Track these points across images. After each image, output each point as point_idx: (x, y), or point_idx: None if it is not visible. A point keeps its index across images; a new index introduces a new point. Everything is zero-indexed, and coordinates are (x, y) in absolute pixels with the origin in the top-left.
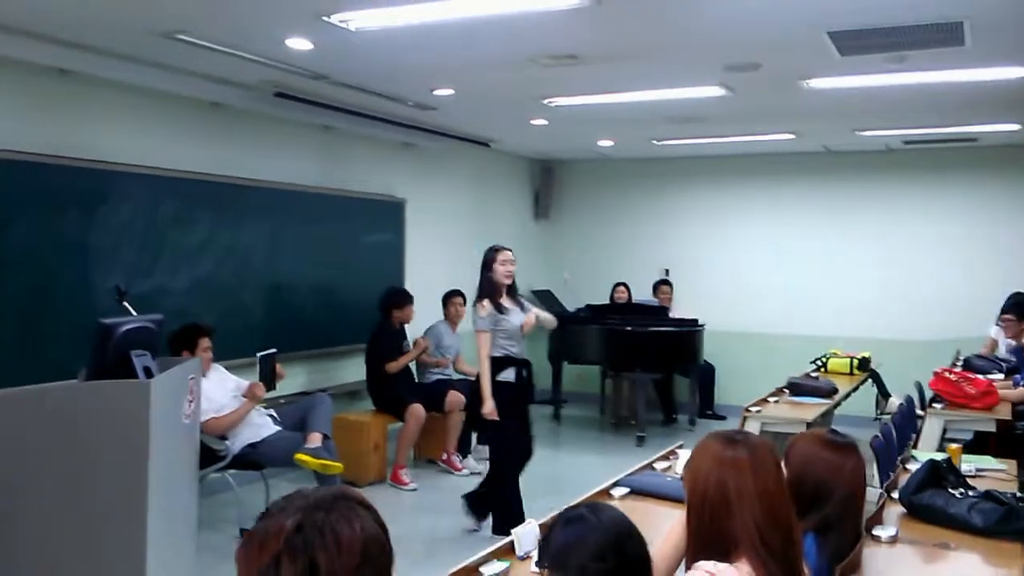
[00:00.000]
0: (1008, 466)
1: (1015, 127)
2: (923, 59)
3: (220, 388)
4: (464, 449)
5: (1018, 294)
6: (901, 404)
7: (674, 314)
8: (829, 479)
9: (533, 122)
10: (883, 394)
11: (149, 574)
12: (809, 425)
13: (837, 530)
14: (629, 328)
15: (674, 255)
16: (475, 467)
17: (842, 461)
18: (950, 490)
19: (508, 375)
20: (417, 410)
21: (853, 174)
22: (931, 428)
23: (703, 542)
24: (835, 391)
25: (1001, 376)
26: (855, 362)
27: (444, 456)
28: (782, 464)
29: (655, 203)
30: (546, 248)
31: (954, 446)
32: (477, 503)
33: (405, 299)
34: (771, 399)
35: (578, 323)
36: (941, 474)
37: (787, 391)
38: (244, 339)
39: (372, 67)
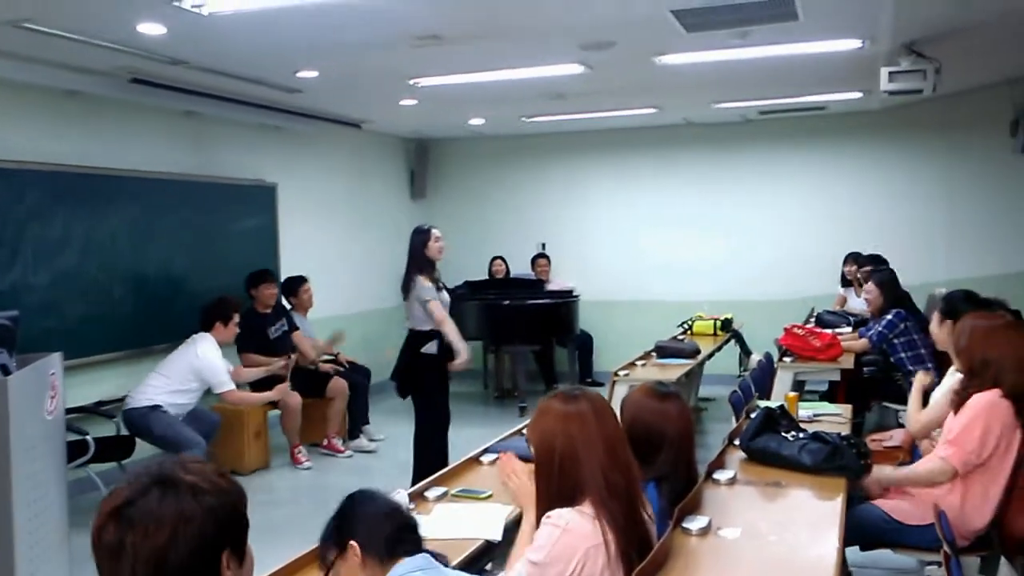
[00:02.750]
0: (843, 410)
1: (858, 95)
2: (764, 34)
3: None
4: (353, 432)
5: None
6: (760, 360)
7: (552, 286)
8: (657, 424)
9: (403, 103)
10: (745, 352)
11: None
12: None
13: (673, 474)
14: (507, 302)
15: (550, 228)
16: (366, 446)
17: (666, 407)
18: (783, 434)
19: (431, 348)
20: (339, 385)
21: (713, 144)
22: (782, 380)
23: (554, 495)
24: (698, 352)
25: (849, 330)
26: (718, 323)
27: (325, 441)
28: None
29: (529, 178)
30: None
31: (791, 394)
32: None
33: (258, 279)
34: (639, 363)
35: (457, 299)
36: (775, 420)
37: (655, 354)
38: (113, 333)
39: (231, 51)
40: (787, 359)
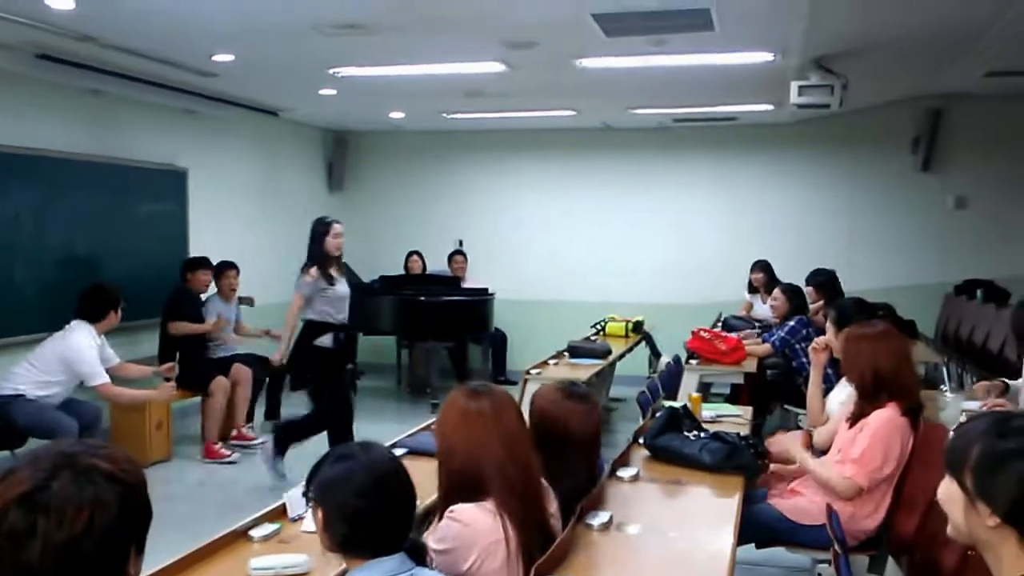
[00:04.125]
0: (744, 412)
1: (769, 107)
2: (680, 42)
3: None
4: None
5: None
6: (668, 362)
7: (468, 284)
8: (562, 421)
9: (322, 92)
10: (655, 354)
11: None
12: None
13: (576, 472)
14: (422, 298)
15: (469, 226)
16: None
17: (574, 406)
18: (686, 433)
19: (326, 340)
20: (222, 382)
21: (630, 149)
22: (688, 382)
23: (455, 489)
24: (609, 352)
25: (754, 334)
26: (630, 325)
27: (234, 432)
28: (525, 413)
29: (449, 175)
30: (341, 220)
31: (695, 395)
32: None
33: (196, 264)
34: (551, 362)
35: (372, 294)
36: (679, 420)
37: (567, 354)
38: (13, 317)
39: (143, 30)
40: (693, 361)
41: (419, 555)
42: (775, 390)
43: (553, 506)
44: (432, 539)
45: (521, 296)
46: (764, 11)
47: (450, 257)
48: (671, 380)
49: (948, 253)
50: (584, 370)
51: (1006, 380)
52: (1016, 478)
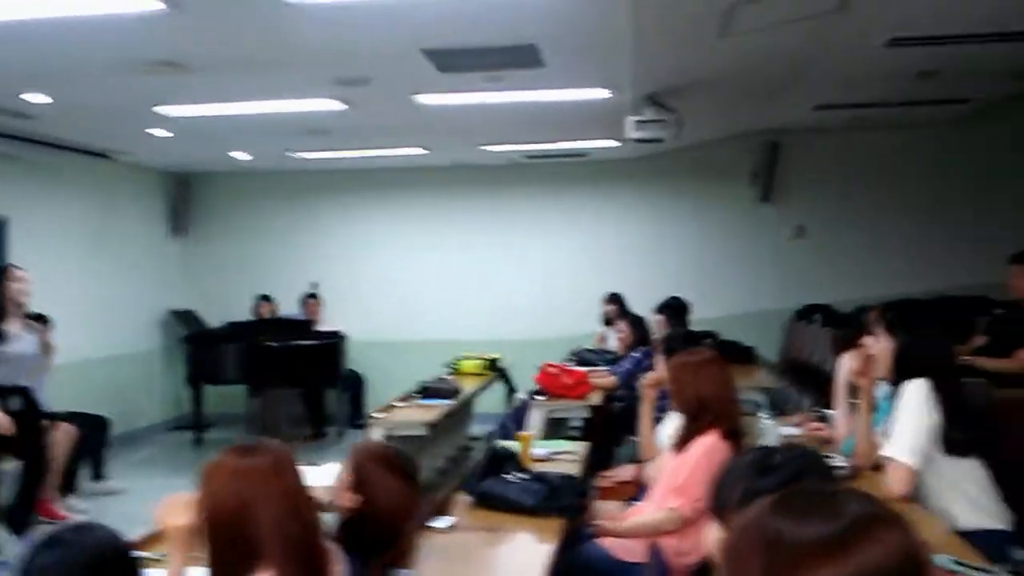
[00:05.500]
0: (578, 448)
1: (616, 143)
2: (516, 79)
3: None
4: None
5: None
6: (521, 399)
7: (324, 327)
8: (392, 509)
9: (152, 132)
10: (511, 390)
11: None
12: (432, 426)
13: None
14: (269, 344)
15: (324, 268)
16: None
17: (399, 485)
18: (507, 475)
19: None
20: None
21: (483, 187)
22: (535, 418)
23: (224, 561)
24: (458, 392)
25: (605, 368)
26: (485, 363)
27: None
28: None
29: (302, 215)
30: (185, 266)
31: (525, 433)
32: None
33: None
34: (399, 404)
35: (217, 341)
36: (501, 462)
37: (418, 395)
38: None
39: None
40: (539, 397)
41: None
42: (624, 422)
43: (338, 568)
44: None
45: (379, 337)
46: (591, 49)
47: (304, 300)
48: (522, 417)
49: (789, 280)
50: (433, 411)
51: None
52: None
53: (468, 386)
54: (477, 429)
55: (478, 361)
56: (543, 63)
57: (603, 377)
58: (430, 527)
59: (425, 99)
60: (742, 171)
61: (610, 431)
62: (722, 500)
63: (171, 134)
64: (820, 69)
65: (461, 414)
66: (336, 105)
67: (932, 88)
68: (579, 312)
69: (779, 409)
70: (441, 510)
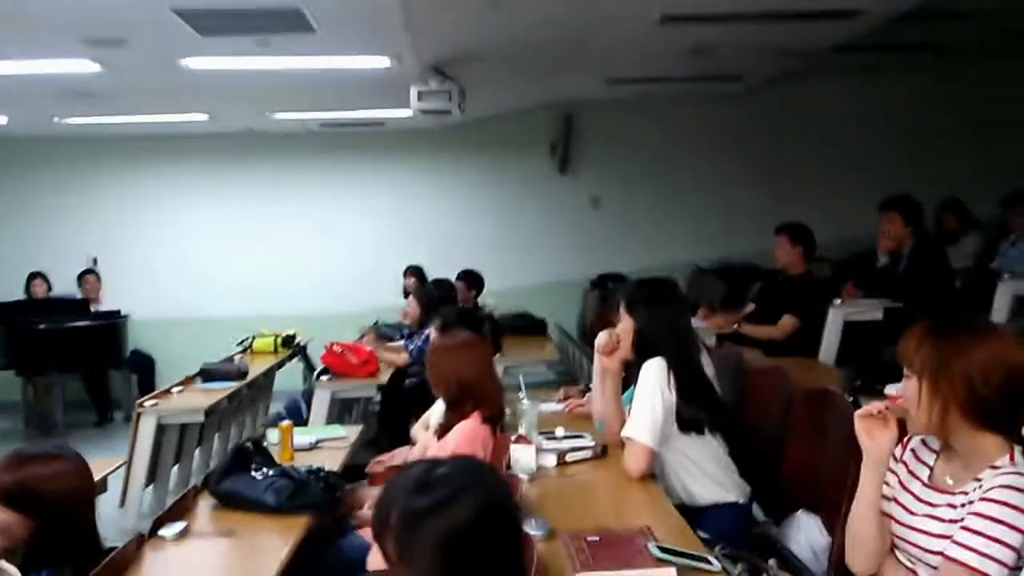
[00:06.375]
0: (352, 432)
1: (409, 113)
2: (288, 45)
3: None
4: None
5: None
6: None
7: (104, 306)
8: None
9: None
10: (309, 368)
11: None
12: (208, 412)
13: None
14: (41, 326)
15: (103, 243)
16: None
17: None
18: (253, 472)
19: None
20: None
21: (277, 156)
22: (320, 399)
23: None
24: (244, 373)
25: (402, 342)
26: (279, 340)
27: None
28: None
29: (78, 187)
30: None
31: (285, 424)
32: None
33: None
34: (175, 389)
35: None
36: (247, 457)
37: (200, 378)
38: None
39: None
40: (324, 377)
41: None
42: (417, 399)
43: None
44: None
45: (167, 315)
46: (361, 15)
47: (80, 277)
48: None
49: (587, 251)
50: (215, 395)
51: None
52: (432, 538)
53: (261, 366)
54: (275, 408)
55: (271, 338)
56: (312, 28)
57: (396, 353)
58: (157, 536)
59: (192, 63)
60: (541, 142)
61: (402, 410)
62: (379, 529)
63: None
64: (601, 44)
65: (256, 396)
66: (91, 66)
67: (710, 65)
68: (383, 286)
69: (565, 382)
70: (169, 516)
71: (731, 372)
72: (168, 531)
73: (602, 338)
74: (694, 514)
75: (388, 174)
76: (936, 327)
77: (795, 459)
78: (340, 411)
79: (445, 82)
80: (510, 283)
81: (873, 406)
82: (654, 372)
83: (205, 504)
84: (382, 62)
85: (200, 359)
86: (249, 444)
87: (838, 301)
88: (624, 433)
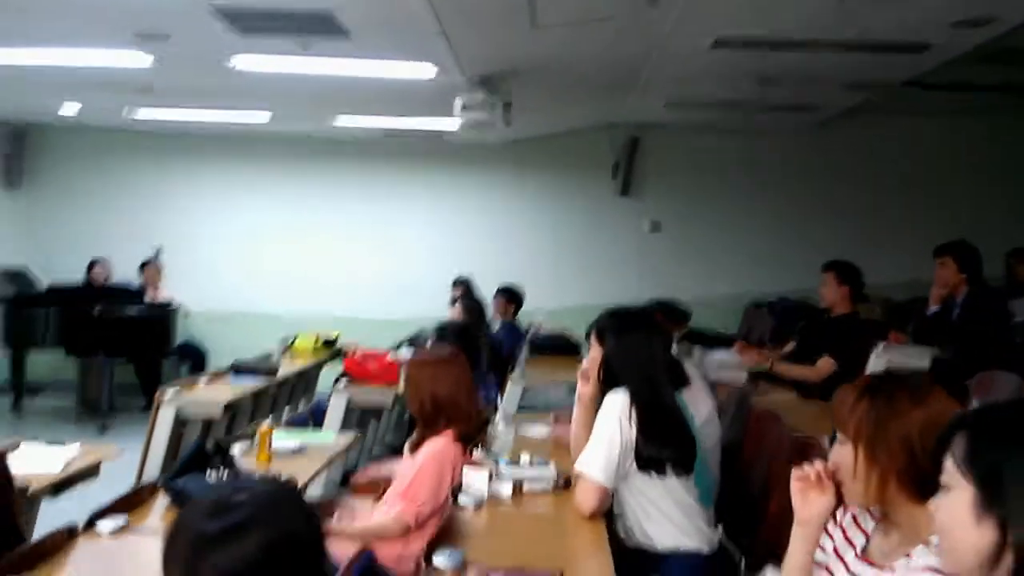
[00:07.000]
0: (337, 439)
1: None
2: (326, 47)
3: None
4: None
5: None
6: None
7: (164, 295)
8: None
9: None
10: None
11: None
12: (227, 408)
13: None
14: (93, 311)
15: (169, 233)
16: None
17: None
18: (209, 473)
19: None
20: None
21: (340, 161)
22: (335, 405)
23: None
24: (275, 371)
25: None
26: (319, 341)
27: None
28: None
29: (146, 178)
30: (17, 221)
31: (265, 427)
32: None
33: None
34: (202, 381)
35: (38, 305)
36: (206, 458)
37: (231, 372)
38: None
39: None
40: (341, 383)
41: None
42: None
43: None
44: None
45: (223, 307)
46: (394, 23)
47: (142, 266)
48: None
49: (643, 275)
50: (239, 389)
51: None
52: (215, 573)
53: (299, 365)
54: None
55: (313, 338)
56: (344, 31)
57: None
58: (93, 531)
59: (239, 61)
60: (604, 163)
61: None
62: (169, 546)
63: None
64: (654, 67)
65: (289, 395)
66: (144, 59)
67: (780, 95)
68: (433, 294)
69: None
70: (120, 509)
71: (738, 411)
72: (105, 525)
73: (584, 364)
74: (654, 561)
75: (449, 186)
76: (872, 386)
77: (777, 509)
78: (363, 417)
79: (491, 95)
80: (563, 302)
81: (809, 470)
82: (614, 405)
83: (158, 502)
84: (427, 71)
85: (249, 353)
86: (211, 444)
87: (882, 345)
88: (576, 467)
